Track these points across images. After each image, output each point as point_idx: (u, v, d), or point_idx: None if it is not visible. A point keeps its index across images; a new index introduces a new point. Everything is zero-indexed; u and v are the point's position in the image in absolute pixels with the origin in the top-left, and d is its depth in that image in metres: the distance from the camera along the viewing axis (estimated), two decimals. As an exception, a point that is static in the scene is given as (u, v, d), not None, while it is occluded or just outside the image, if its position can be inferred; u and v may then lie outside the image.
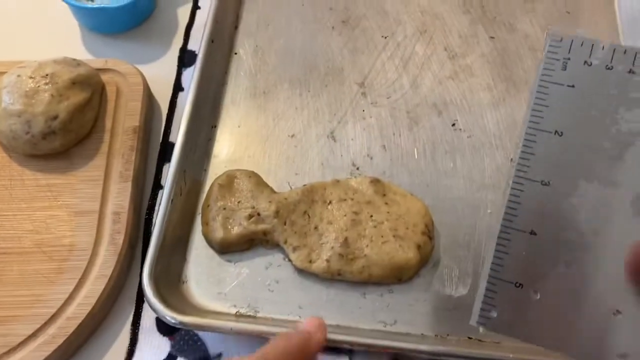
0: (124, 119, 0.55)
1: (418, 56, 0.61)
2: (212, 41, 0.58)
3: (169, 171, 0.51)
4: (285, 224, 0.50)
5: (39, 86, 0.51)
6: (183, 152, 0.52)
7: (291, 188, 0.54)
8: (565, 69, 0.35)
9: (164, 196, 0.50)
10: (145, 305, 0.50)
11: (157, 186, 0.55)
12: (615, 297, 0.31)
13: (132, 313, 0.50)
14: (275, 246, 0.50)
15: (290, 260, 0.49)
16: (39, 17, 0.65)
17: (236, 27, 0.63)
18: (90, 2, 0.63)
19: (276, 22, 0.63)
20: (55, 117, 0.50)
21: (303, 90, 0.59)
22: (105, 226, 0.50)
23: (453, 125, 0.56)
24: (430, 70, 0.60)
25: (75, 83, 0.52)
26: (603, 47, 0.34)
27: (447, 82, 0.59)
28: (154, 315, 0.49)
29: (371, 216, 0.50)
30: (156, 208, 0.54)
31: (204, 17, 0.61)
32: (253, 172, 0.53)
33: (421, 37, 0.62)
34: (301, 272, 0.49)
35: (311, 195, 0.51)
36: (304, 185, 0.52)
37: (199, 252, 0.51)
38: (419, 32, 0.62)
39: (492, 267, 0.34)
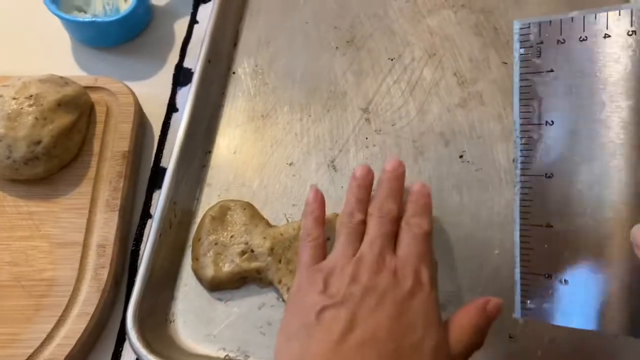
0: (113, 142, 0.52)
1: (426, 81, 0.57)
2: (209, 61, 0.55)
3: (158, 203, 0.48)
4: (280, 262, 0.47)
5: (22, 108, 0.48)
6: (174, 182, 0.49)
7: (288, 221, 0.51)
8: (539, 56, 0.34)
9: (151, 231, 0.47)
10: (126, 345, 0.47)
11: (146, 215, 0.52)
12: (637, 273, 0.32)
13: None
14: (269, 284, 0.48)
15: (284, 300, 0.46)
16: (29, 29, 0.61)
17: (235, 45, 0.60)
18: (82, 13, 0.60)
19: (278, 41, 0.60)
20: (39, 142, 0.47)
21: (304, 114, 0.56)
22: (89, 260, 0.47)
23: (461, 157, 0.53)
24: (438, 97, 0.57)
25: (61, 105, 0.49)
26: (572, 19, 0.32)
27: (455, 110, 0.56)
28: (135, 356, 0.47)
29: (371, 255, 0.47)
30: (144, 239, 0.51)
31: (201, 32, 0.58)
32: (248, 204, 0.50)
33: (430, 61, 0.59)
34: (296, 313, 0.46)
35: (308, 232, 0.48)
36: (301, 219, 0.49)
37: (188, 289, 0.48)
38: (428, 55, 0.59)
39: (520, 262, 0.36)
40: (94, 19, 0.56)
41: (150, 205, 0.52)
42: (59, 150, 0.49)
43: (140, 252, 0.50)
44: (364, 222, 0.42)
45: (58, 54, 0.60)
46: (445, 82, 0.57)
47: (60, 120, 0.49)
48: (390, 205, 0.42)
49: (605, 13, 0.31)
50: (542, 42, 0.34)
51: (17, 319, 0.45)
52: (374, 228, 0.41)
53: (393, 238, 0.41)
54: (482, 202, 0.51)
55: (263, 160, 0.54)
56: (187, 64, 0.59)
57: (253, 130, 0.55)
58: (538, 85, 0.34)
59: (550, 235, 0.35)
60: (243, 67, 0.59)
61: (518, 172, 0.36)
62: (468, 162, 0.53)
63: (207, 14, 0.59)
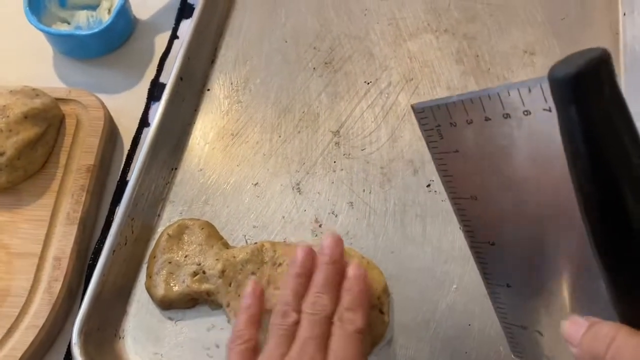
0: (80, 155, 0.52)
1: (400, 106, 0.57)
2: (181, 78, 0.55)
3: (115, 218, 0.48)
4: (230, 285, 0.47)
5: (-12, 120, 0.49)
6: (133, 198, 0.49)
7: (247, 242, 0.51)
8: (442, 137, 0.33)
9: (105, 247, 0.47)
10: (76, 358, 0.48)
11: (108, 229, 0.52)
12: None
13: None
14: (219, 307, 0.47)
15: (232, 324, 0.46)
16: (12, 37, 0.62)
17: (212, 62, 0.60)
18: (66, 24, 0.61)
19: (255, 59, 0.60)
20: (2, 154, 0.48)
21: (274, 134, 0.56)
22: (44, 272, 0.48)
23: (428, 186, 0.52)
24: (411, 123, 0.56)
25: (28, 117, 0.50)
26: (455, 103, 0.31)
27: (427, 138, 0.55)
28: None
29: (323, 283, 0.46)
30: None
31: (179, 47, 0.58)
32: (206, 223, 0.50)
33: (406, 86, 0.58)
34: (244, 338, 0.46)
35: (261, 256, 0.47)
36: (255, 243, 0.49)
37: (140, 305, 0.49)
38: (405, 80, 0.58)
39: (498, 315, 0.36)
40: (72, 32, 0.57)
41: (113, 220, 0.53)
42: (23, 162, 0.49)
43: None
44: (298, 322, 0.40)
45: (39, 63, 0.61)
46: (419, 108, 0.56)
47: (26, 132, 0.49)
48: (324, 301, 0.40)
49: (479, 97, 0.30)
50: (439, 125, 0.33)
51: (-32, 327, 0.46)
52: (305, 329, 0.39)
53: (326, 337, 0.39)
54: (445, 234, 0.50)
55: (228, 179, 0.54)
56: (163, 79, 0.59)
57: (221, 148, 0.55)
58: (450, 163, 0.34)
59: (513, 293, 0.35)
60: (218, 84, 0.59)
61: (467, 239, 0.35)
62: (435, 191, 0.52)
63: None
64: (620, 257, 0.26)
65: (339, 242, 0.43)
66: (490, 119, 0.30)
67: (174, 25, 0.62)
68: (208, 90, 0.59)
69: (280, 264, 0.47)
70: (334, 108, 0.57)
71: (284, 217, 0.52)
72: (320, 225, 0.51)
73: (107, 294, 0.47)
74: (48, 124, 0.51)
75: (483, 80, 0.58)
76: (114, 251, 0.47)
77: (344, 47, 0.61)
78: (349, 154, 0.55)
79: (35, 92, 0.52)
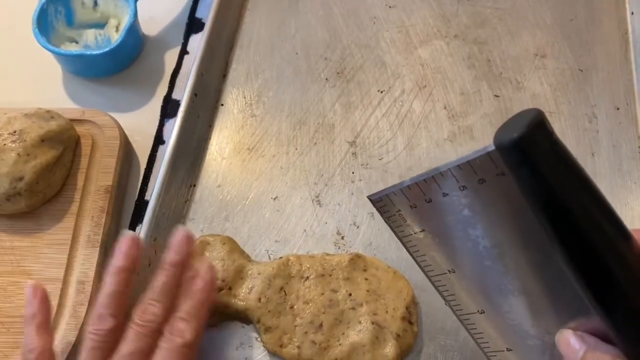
0: (97, 176, 0.52)
1: (415, 114, 0.57)
2: (196, 95, 0.55)
3: (138, 240, 0.48)
4: (259, 300, 0.46)
5: (5, 144, 0.48)
6: (155, 217, 0.49)
7: (270, 257, 0.50)
8: (405, 220, 0.34)
9: (129, 268, 0.47)
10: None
11: (129, 250, 0.52)
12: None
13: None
14: (249, 322, 0.47)
15: (261, 341, 0.46)
16: (22, 59, 0.62)
17: (224, 76, 0.60)
18: (74, 44, 0.60)
19: (267, 72, 0.60)
20: (21, 178, 0.48)
21: (290, 147, 0.56)
22: (68, 296, 0.47)
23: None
24: (427, 130, 0.56)
25: (45, 140, 0.49)
26: (409, 187, 0.32)
27: (444, 145, 0.55)
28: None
29: (350, 294, 0.46)
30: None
31: (191, 63, 0.58)
32: (228, 238, 0.50)
33: (420, 93, 0.58)
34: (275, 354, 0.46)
35: (288, 269, 0.47)
36: (280, 257, 0.48)
37: (166, 326, 0.48)
38: (418, 87, 0.58)
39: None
40: (82, 52, 0.56)
41: (133, 240, 0.52)
42: (41, 186, 0.49)
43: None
44: (117, 328, 0.37)
45: (49, 84, 0.60)
46: (435, 115, 0.57)
47: (44, 156, 0.49)
48: (157, 310, 0.38)
49: (432, 176, 0.30)
50: (399, 210, 0.34)
51: (-6, 356, 0.45)
52: (128, 342, 0.37)
53: (150, 352, 0.37)
54: (468, 240, 0.50)
55: (247, 194, 0.54)
56: (175, 95, 0.59)
57: (239, 163, 0.55)
58: (421, 243, 0.35)
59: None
60: (232, 99, 0.59)
61: (455, 313, 0.37)
62: (455, 198, 0.52)
63: (197, 44, 0.59)
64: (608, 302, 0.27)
65: (189, 239, 0.40)
66: (447, 194, 0.31)
67: (183, 41, 0.62)
68: (222, 105, 0.58)
69: (307, 278, 0.47)
70: (348, 118, 0.57)
71: (305, 230, 0.52)
72: (342, 237, 0.51)
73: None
74: (64, 146, 0.51)
75: (496, 85, 0.58)
76: (138, 273, 0.47)
77: (355, 57, 0.61)
78: (367, 164, 0.54)
79: (50, 114, 0.51)
